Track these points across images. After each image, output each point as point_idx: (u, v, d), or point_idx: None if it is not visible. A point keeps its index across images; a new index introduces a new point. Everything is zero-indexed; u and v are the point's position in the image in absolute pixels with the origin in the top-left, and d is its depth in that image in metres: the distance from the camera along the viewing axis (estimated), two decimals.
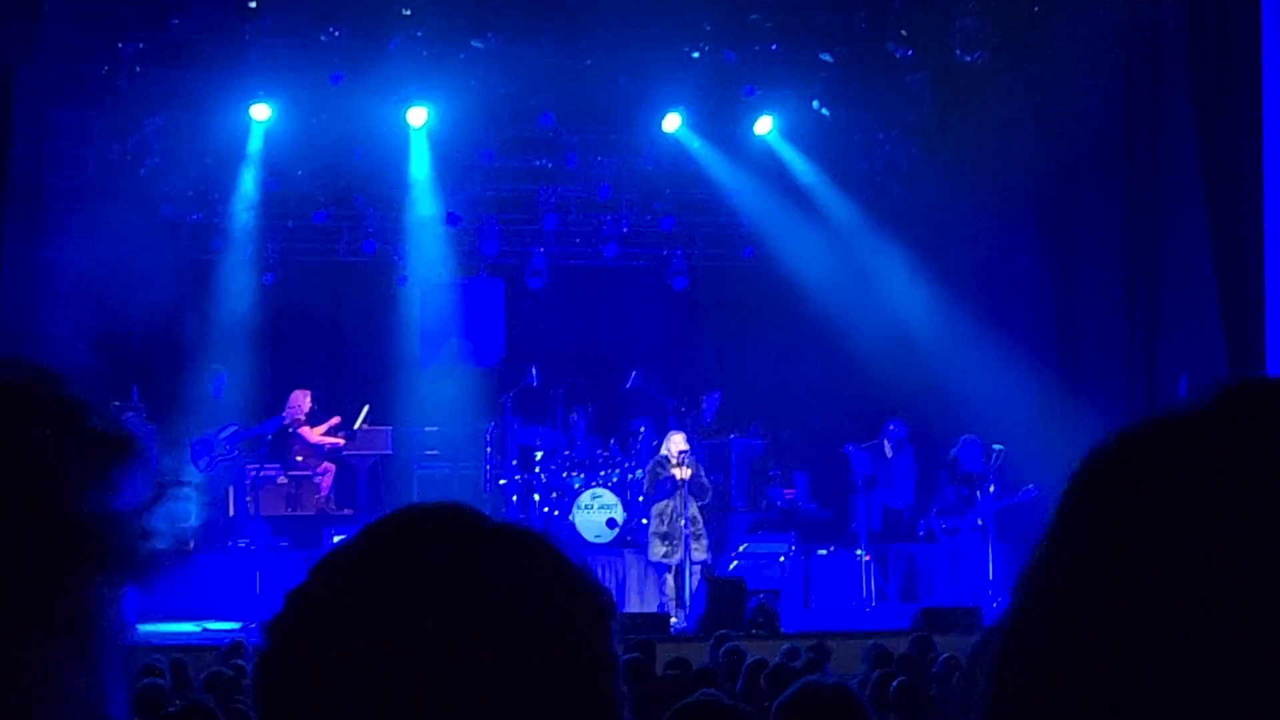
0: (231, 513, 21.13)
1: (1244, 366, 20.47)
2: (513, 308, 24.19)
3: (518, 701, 1.56)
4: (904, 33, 21.91)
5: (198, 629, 18.45)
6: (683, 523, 18.98)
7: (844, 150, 23.27)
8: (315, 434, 21.99)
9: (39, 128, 20.54)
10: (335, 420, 22.18)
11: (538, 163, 23.18)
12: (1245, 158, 20.70)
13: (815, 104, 22.64)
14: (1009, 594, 1.42)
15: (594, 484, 20.83)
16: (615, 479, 20.89)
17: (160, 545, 1.55)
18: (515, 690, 1.56)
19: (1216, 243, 21.11)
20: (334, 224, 22.96)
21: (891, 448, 22.36)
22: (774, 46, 22.05)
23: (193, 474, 20.81)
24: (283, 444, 21.83)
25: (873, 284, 22.89)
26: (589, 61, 21.76)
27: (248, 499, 20.91)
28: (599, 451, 21.65)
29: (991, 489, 20.54)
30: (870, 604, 20.54)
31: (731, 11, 21.71)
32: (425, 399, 22.61)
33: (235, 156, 21.96)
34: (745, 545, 20.83)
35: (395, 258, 23.24)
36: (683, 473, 19.20)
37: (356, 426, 22.27)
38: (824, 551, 21.19)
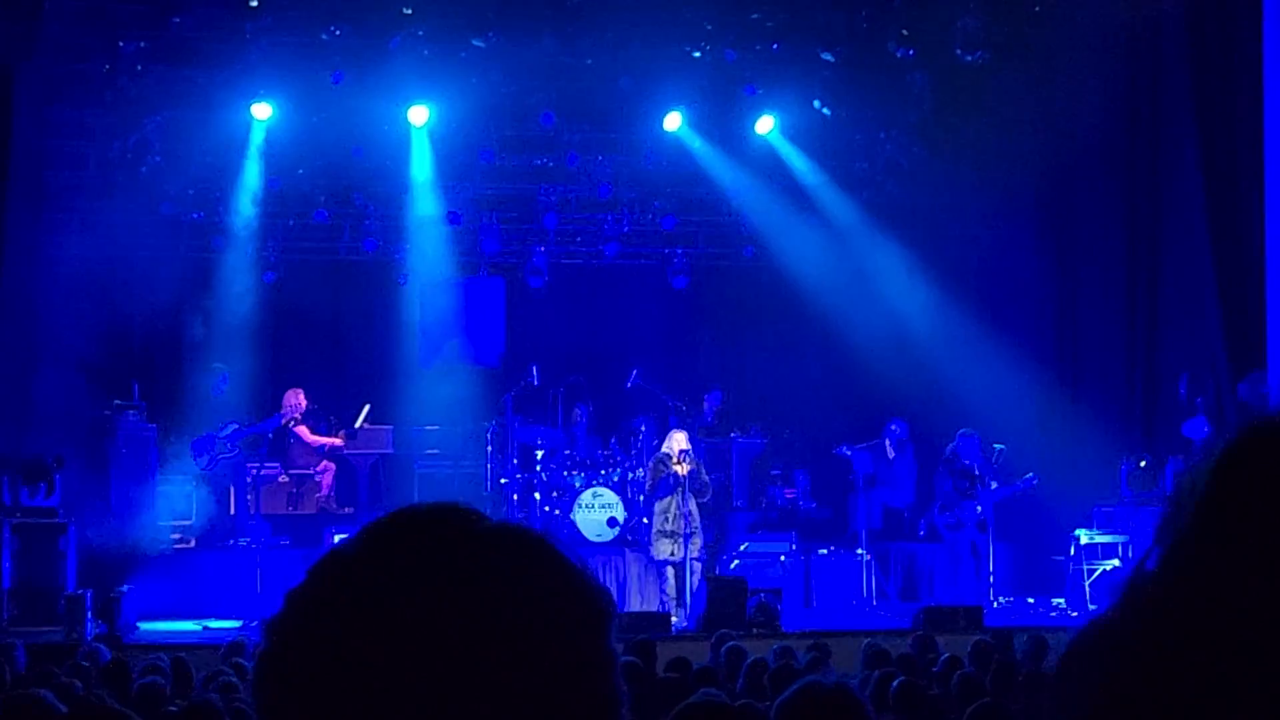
0: (232, 511, 21.13)
1: (1244, 366, 20.48)
2: (513, 307, 24.20)
3: (517, 701, 1.56)
4: (905, 32, 21.91)
5: (198, 627, 18.46)
6: (681, 521, 18.98)
7: (845, 149, 23.28)
8: (312, 436, 21.99)
9: (40, 126, 20.54)
10: (336, 440, 22.17)
11: (539, 162, 23.18)
12: (1246, 157, 20.70)
13: (816, 103, 22.64)
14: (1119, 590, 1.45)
15: (595, 483, 20.82)
16: (616, 478, 20.89)
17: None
18: (515, 690, 1.56)
19: (1217, 242, 21.11)
20: (335, 223, 22.97)
21: (893, 447, 22.37)
22: (775, 46, 22.05)
23: (194, 471, 20.85)
24: (283, 443, 21.84)
25: (873, 283, 22.90)
26: (590, 60, 21.76)
27: (248, 497, 20.92)
28: (600, 450, 21.65)
29: (993, 485, 20.52)
30: (871, 603, 20.55)
31: (732, 11, 21.71)
32: (426, 398, 22.61)
33: (236, 155, 21.96)
34: (746, 544, 20.83)
35: (396, 256, 23.25)
36: (681, 470, 19.20)
37: (357, 425, 22.27)
38: (825, 551, 21.19)
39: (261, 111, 21.58)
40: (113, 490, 20.15)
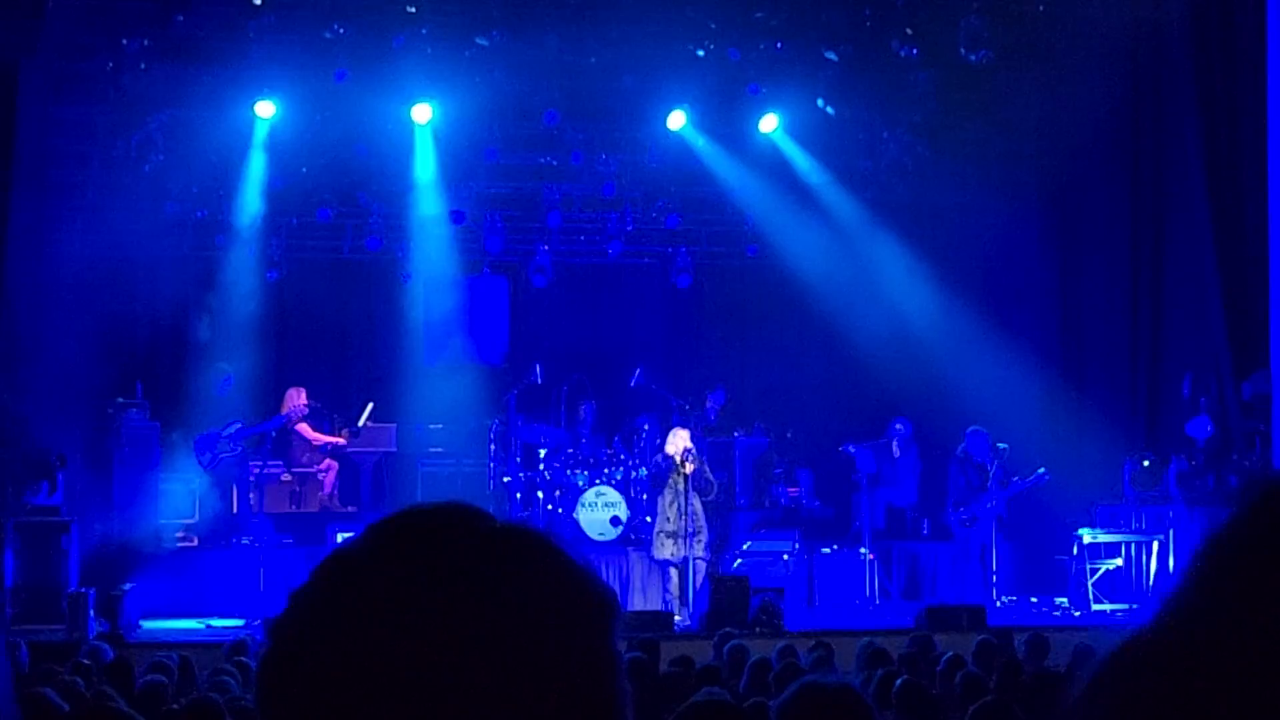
0: (235, 510, 21.14)
1: (1247, 365, 20.48)
2: (517, 305, 24.21)
3: (522, 701, 1.55)
4: (909, 31, 21.90)
5: (201, 626, 18.46)
6: (684, 520, 18.97)
7: (848, 148, 23.26)
8: (314, 434, 22.00)
9: (43, 124, 20.52)
10: (339, 439, 22.18)
11: (542, 160, 23.18)
12: (1249, 156, 20.70)
13: (820, 102, 22.63)
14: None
15: (598, 481, 20.82)
16: (619, 476, 20.89)
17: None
18: (519, 690, 1.55)
19: (1220, 241, 21.10)
20: (338, 221, 22.96)
21: (899, 446, 22.36)
22: (779, 45, 22.04)
23: (197, 470, 20.86)
24: (286, 441, 21.85)
25: (877, 282, 22.89)
26: (594, 59, 21.76)
27: (251, 496, 20.94)
28: (603, 449, 21.65)
29: (1015, 479, 20.49)
30: (874, 602, 20.55)
31: (736, 9, 21.70)
32: (429, 396, 22.61)
33: (240, 153, 21.95)
34: (749, 543, 20.83)
35: (400, 255, 23.24)
36: (688, 468, 19.20)
37: (360, 424, 22.28)
38: (828, 550, 21.18)
39: (265, 110, 21.57)
40: (115, 488, 20.15)
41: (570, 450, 21.50)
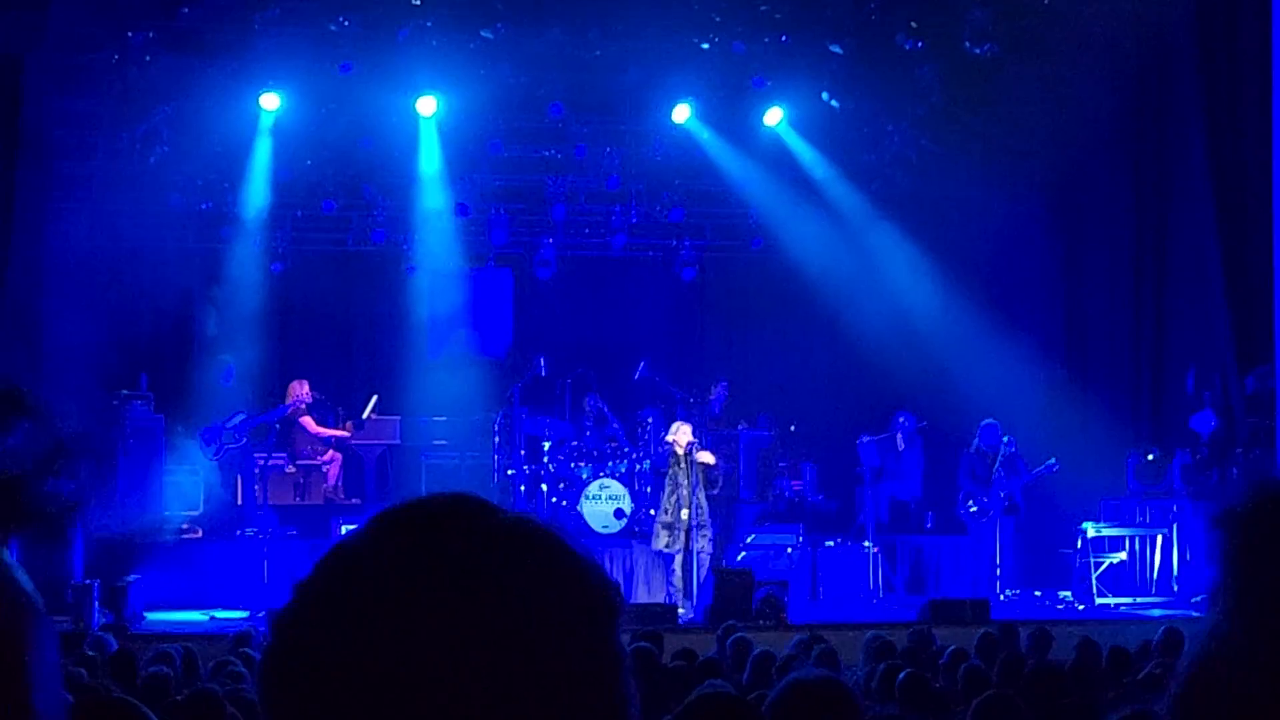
0: (240, 502, 21.16)
1: (1251, 359, 20.47)
2: (521, 298, 24.21)
3: (525, 695, 1.56)
4: (914, 25, 21.89)
5: (205, 618, 18.47)
6: (686, 513, 18.96)
7: (853, 142, 23.25)
8: (317, 427, 22.02)
9: (48, 116, 20.52)
10: (342, 431, 22.20)
11: (547, 153, 23.18)
12: (1253, 150, 20.68)
13: (825, 95, 22.62)
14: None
15: (602, 474, 20.83)
16: (623, 469, 20.89)
17: (55, 504, 1.55)
18: (522, 683, 1.56)
19: (1224, 235, 21.09)
20: (343, 214, 22.97)
21: (904, 439, 22.36)
22: (784, 38, 22.03)
23: (201, 462, 20.88)
24: (290, 434, 21.87)
25: (881, 275, 22.89)
26: (598, 52, 21.75)
27: (255, 488, 20.94)
28: (607, 442, 21.65)
29: (1034, 470, 20.47)
30: (878, 596, 20.55)
31: (741, 2, 21.69)
32: (433, 389, 22.62)
33: (244, 146, 21.96)
34: (753, 536, 20.84)
35: (404, 247, 23.25)
36: (709, 458, 19.29)
37: (365, 416, 22.29)
38: (831, 543, 21.18)
39: (270, 102, 21.57)
40: (120, 480, 20.17)
41: (574, 443, 21.49)
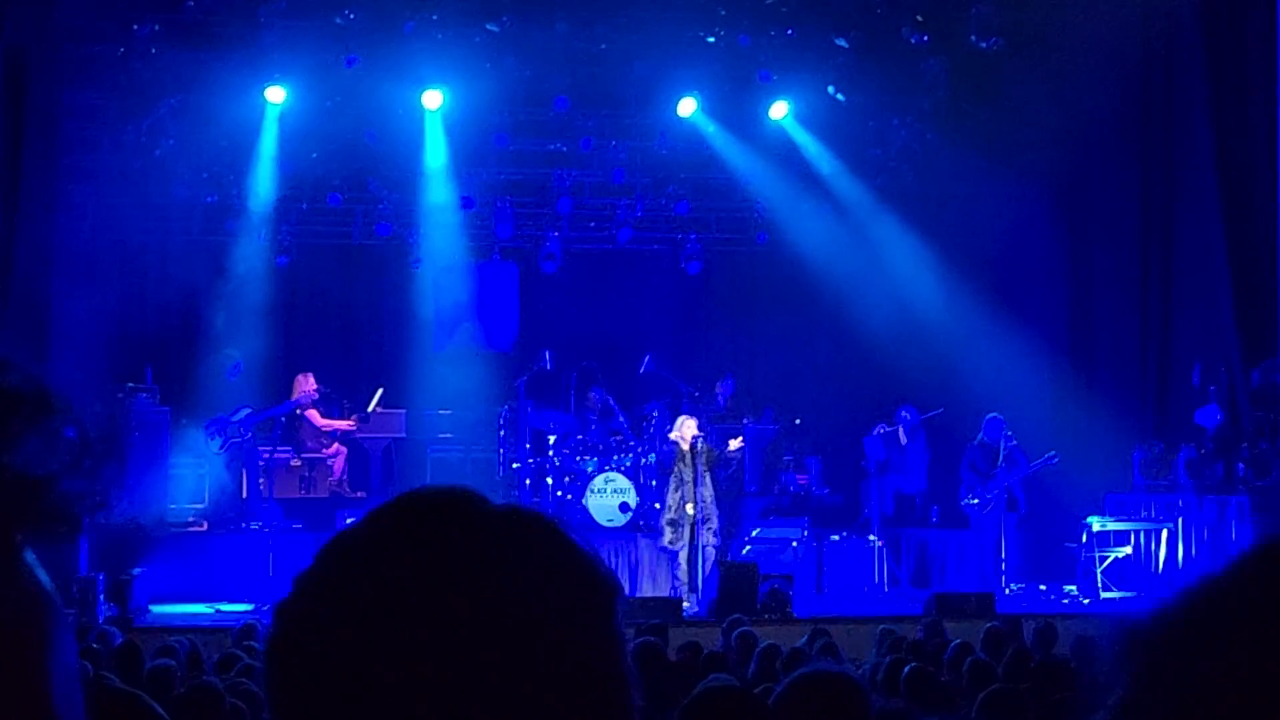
0: (245, 495, 21.17)
1: (1257, 353, 20.46)
2: (527, 291, 24.21)
3: (523, 683, 1.56)
4: (920, 18, 21.89)
5: (211, 611, 18.48)
6: (691, 507, 18.94)
7: (859, 136, 23.25)
8: (322, 420, 22.02)
9: (53, 109, 20.53)
10: (347, 424, 22.21)
11: (552, 146, 23.18)
12: (1260, 144, 20.67)
13: (830, 89, 22.61)
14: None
15: (607, 468, 20.83)
16: (628, 463, 20.89)
17: (77, 504, 1.55)
18: (521, 672, 1.56)
19: (1230, 229, 21.08)
20: (348, 207, 22.97)
21: (905, 433, 22.35)
22: (789, 31, 22.03)
23: (206, 455, 20.87)
24: (295, 427, 21.88)
25: (887, 269, 22.88)
26: (604, 46, 21.76)
27: (261, 481, 20.96)
28: (612, 436, 21.65)
29: (1033, 464, 20.45)
30: (883, 589, 20.55)
31: None
32: (439, 382, 22.62)
33: (250, 139, 21.96)
34: (758, 530, 20.83)
35: (409, 241, 23.25)
36: (736, 443, 19.43)
37: (370, 409, 22.29)
38: (836, 537, 21.18)
39: (275, 95, 21.58)
40: (125, 473, 20.14)
41: (579, 436, 21.50)
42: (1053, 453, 20.44)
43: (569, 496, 20.73)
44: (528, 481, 21.11)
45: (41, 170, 20.14)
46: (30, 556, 1.64)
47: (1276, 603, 1.39)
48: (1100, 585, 19.80)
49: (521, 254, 24.09)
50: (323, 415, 22.04)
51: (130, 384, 20.68)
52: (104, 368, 20.25)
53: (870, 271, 22.81)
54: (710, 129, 23.00)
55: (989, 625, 13.85)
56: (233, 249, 22.41)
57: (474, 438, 22.31)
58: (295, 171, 22.30)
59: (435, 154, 22.61)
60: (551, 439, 21.30)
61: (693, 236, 23.90)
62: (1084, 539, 20.16)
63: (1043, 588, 20.85)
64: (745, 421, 22.66)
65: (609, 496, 20.64)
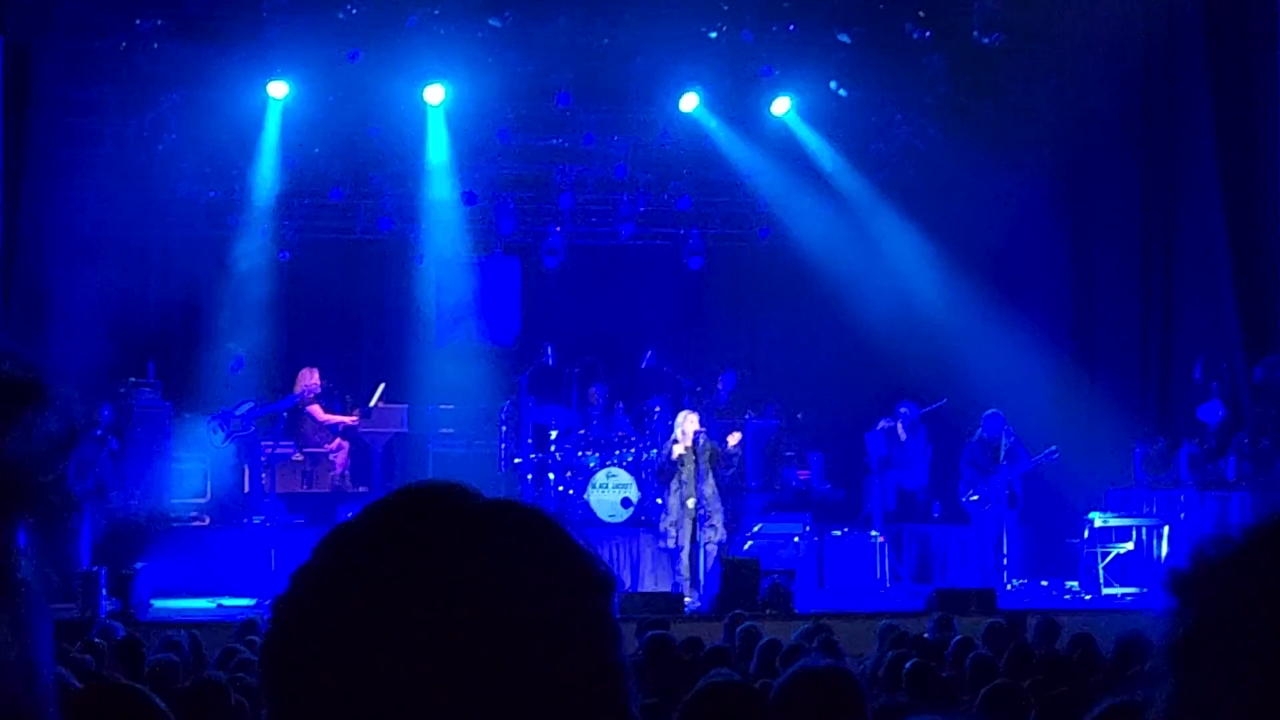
0: (247, 489, 21.18)
1: (1259, 349, 20.46)
2: (529, 286, 24.20)
3: (519, 676, 1.56)
4: (922, 14, 21.89)
5: (213, 605, 18.49)
6: (692, 503, 18.92)
7: (861, 131, 23.24)
8: (324, 415, 22.03)
9: (56, 103, 20.55)
10: (350, 419, 22.22)
11: (554, 142, 23.17)
12: (1262, 139, 20.67)
13: (833, 84, 22.61)
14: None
15: (609, 463, 20.82)
16: (630, 458, 20.88)
17: (73, 488, 1.56)
18: (516, 665, 1.56)
19: (1232, 224, 21.08)
20: (350, 202, 22.97)
21: (904, 429, 22.34)
22: (791, 27, 22.03)
23: (208, 450, 20.89)
24: (298, 421, 21.88)
25: (889, 264, 22.87)
26: (606, 41, 21.75)
27: (263, 476, 20.96)
28: (615, 431, 21.65)
29: (1035, 458, 20.45)
30: (884, 585, 20.55)
31: None
32: (441, 377, 22.61)
33: (252, 134, 21.96)
34: (760, 526, 20.82)
35: (411, 236, 23.24)
36: (734, 439, 19.33)
37: (372, 404, 22.30)
38: (838, 532, 21.19)
39: (277, 90, 21.58)
40: (127, 467, 20.18)
41: (581, 432, 21.50)
42: (1053, 448, 20.44)
43: (571, 492, 20.73)
44: (529, 477, 21.10)
45: (44, 165, 20.15)
46: (17, 545, 1.64)
47: None
48: (1102, 581, 19.79)
49: (523, 249, 24.07)
50: (325, 410, 22.05)
51: (132, 378, 20.70)
52: (106, 362, 20.25)
53: (872, 267, 22.80)
54: (712, 124, 23.00)
55: (990, 621, 13.85)
56: (235, 244, 22.39)
57: (476, 433, 22.30)
58: (297, 166, 22.30)
59: (437, 149, 22.61)
60: (553, 434, 21.30)
61: (695, 232, 23.88)
62: (1085, 535, 20.15)
63: (1044, 583, 20.85)
64: (747, 417, 22.66)
65: (611, 492, 20.64)
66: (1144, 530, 20.34)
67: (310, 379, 21.81)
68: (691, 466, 18.95)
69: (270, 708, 1.64)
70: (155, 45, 20.90)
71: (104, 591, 17.13)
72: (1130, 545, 20.21)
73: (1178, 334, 22.40)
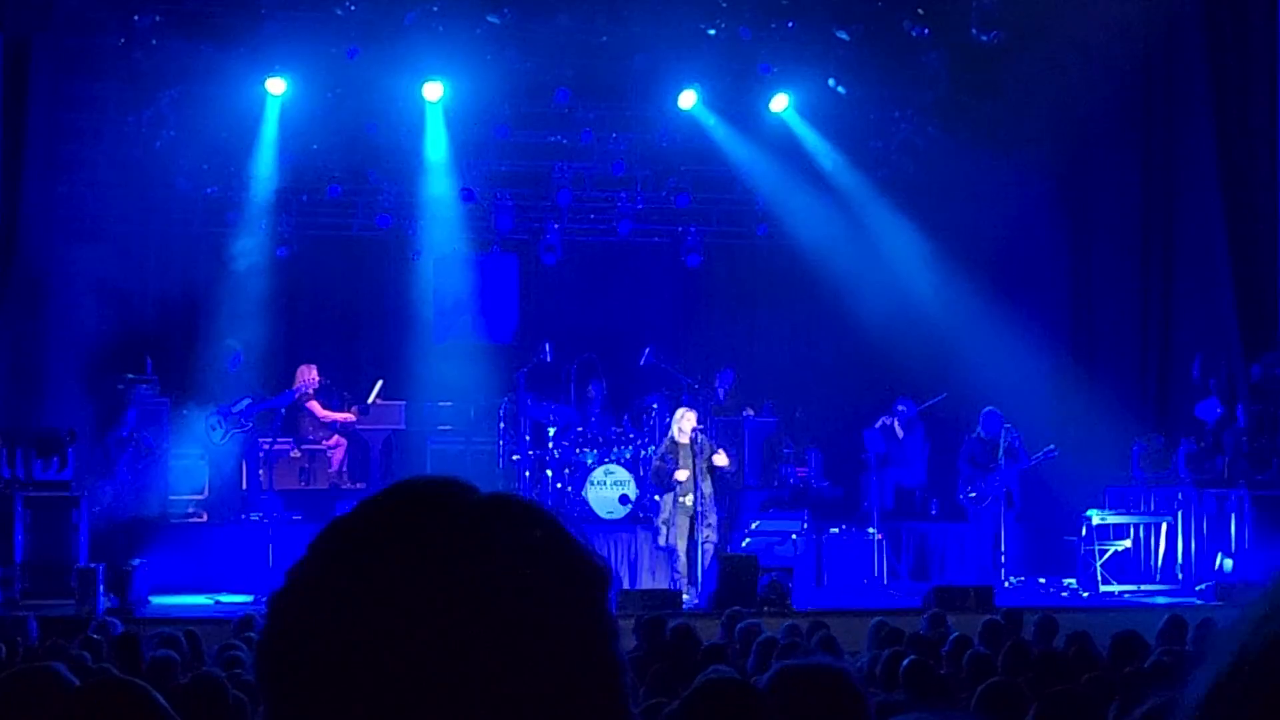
0: (244, 486, 21.18)
1: (1257, 347, 20.46)
2: (527, 283, 24.21)
3: (514, 670, 1.56)
4: (921, 11, 21.89)
5: (210, 602, 18.50)
6: (690, 499, 18.91)
7: (859, 128, 23.24)
8: (324, 411, 22.03)
9: (54, 99, 20.54)
10: (348, 416, 22.22)
11: (553, 138, 23.17)
12: (1261, 137, 20.67)
13: (831, 82, 22.61)
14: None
15: (607, 460, 20.82)
16: (628, 455, 20.88)
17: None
18: (511, 659, 1.56)
19: (1231, 222, 21.08)
20: (348, 198, 22.97)
21: (902, 427, 22.35)
22: (790, 24, 22.03)
23: (206, 446, 20.88)
24: (295, 418, 21.87)
25: (887, 262, 22.87)
26: (605, 38, 21.75)
27: (260, 472, 20.95)
28: (612, 428, 21.65)
29: (1033, 458, 20.45)
30: (882, 583, 20.56)
31: None
32: (439, 374, 22.61)
33: (250, 130, 21.96)
34: (758, 523, 20.83)
35: (410, 233, 23.24)
36: (722, 459, 19.15)
37: (370, 401, 22.30)
38: (836, 530, 21.19)
39: (276, 86, 21.58)
40: (125, 464, 20.18)
41: (579, 429, 21.50)
42: (1052, 446, 20.45)
43: (569, 489, 20.73)
44: (527, 474, 21.10)
45: (42, 161, 20.14)
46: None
47: None
48: (1100, 579, 19.81)
49: (522, 246, 24.08)
50: (324, 407, 22.04)
51: (130, 375, 20.69)
52: (104, 358, 20.25)
53: (871, 264, 22.80)
54: (711, 121, 23.00)
55: (988, 618, 13.85)
56: (233, 240, 22.39)
57: (474, 430, 22.31)
58: (296, 163, 22.30)
59: (436, 146, 22.61)
60: (551, 431, 21.30)
61: (693, 229, 23.89)
62: (1083, 532, 20.16)
63: (1042, 581, 20.87)
64: (745, 414, 22.66)
65: (609, 489, 20.64)
66: (1142, 528, 20.36)
67: (308, 375, 21.80)
68: (689, 464, 18.93)
69: (267, 704, 1.64)
70: (154, 41, 20.89)
71: (102, 588, 17.13)
72: (1128, 543, 20.22)
73: (1176, 332, 22.41)
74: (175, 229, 22.07)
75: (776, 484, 22.53)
